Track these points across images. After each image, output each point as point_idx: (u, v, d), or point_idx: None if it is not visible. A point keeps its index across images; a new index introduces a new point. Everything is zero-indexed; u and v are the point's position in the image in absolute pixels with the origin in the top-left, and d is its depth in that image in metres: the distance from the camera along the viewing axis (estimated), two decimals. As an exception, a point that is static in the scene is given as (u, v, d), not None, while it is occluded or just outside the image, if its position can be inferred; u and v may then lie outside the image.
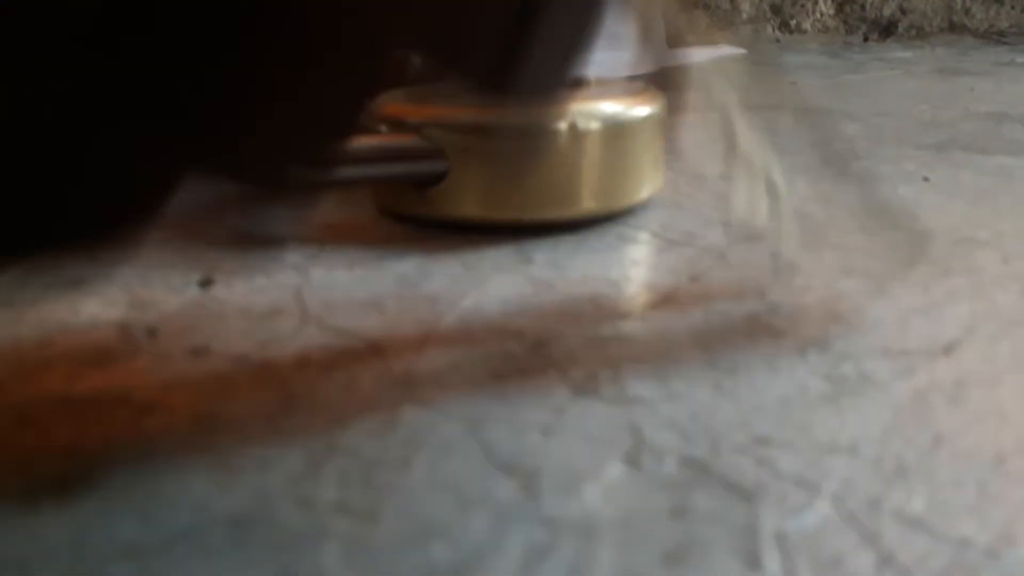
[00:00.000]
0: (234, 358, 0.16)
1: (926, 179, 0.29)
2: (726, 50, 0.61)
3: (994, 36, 0.77)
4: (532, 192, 0.22)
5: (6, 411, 0.14)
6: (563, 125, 0.22)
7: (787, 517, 0.12)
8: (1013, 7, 0.79)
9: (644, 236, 0.23)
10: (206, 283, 0.20)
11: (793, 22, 0.79)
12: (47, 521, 0.11)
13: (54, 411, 0.14)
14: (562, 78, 0.15)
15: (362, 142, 0.22)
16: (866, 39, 0.78)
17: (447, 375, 0.15)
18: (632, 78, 0.26)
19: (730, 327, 0.17)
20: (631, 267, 0.21)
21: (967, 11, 0.80)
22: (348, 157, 0.22)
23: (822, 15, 0.79)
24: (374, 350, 0.16)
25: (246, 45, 0.12)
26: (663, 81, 0.23)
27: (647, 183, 0.24)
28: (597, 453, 0.13)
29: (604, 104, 0.23)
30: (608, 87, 0.24)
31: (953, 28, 0.79)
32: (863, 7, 0.80)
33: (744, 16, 0.80)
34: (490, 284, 0.20)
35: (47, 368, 0.16)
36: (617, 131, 0.23)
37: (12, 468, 0.13)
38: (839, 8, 0.80)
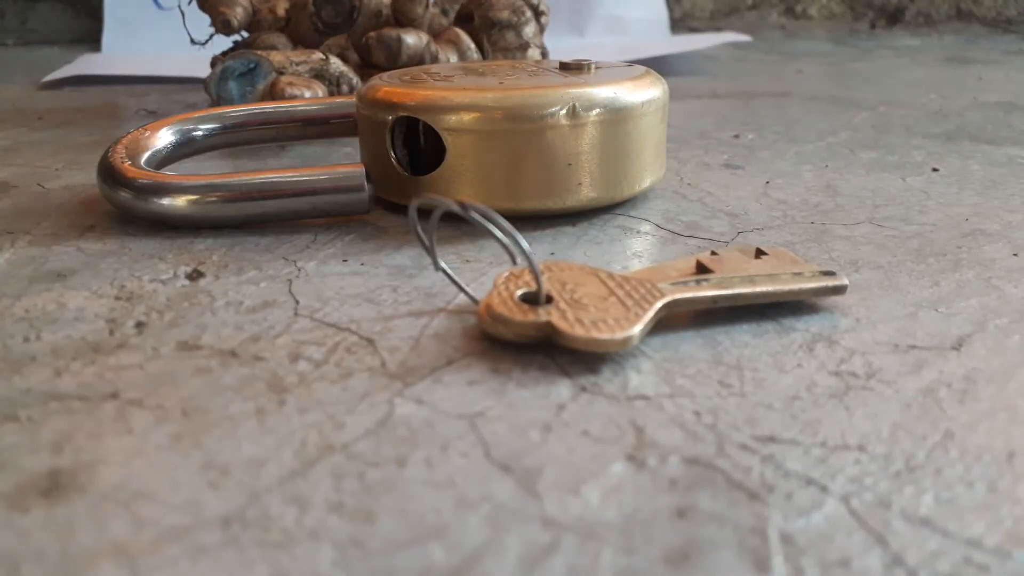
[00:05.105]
0: (224, 352, 0.16)
1: (935, 169, 0.29)
2: (731, 36, 0.61)
3: (1002, 24, 0.76)
4: (530, 181, 0.22)
5: (-7, 406, 0.14)
6: (562, 110, 0.21)
7: (794, 517, 0.11)
8: (1021, -6, 0.79)
9: (646, 227, 0.23)
10: (195, 275, 0.19)
11: (799, 8, 0.78)
12: (35, 520, 0.11)
13: (40, 406, 0.14)
14: None
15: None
16: (873, 26, 0.78)
17: (444, 370, 0.15)
18: (633, 62, 0.26)
19: (735, 321, 0.17)
20: (633, 260, 0.21)
21: (974, -2, 0.79)
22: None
23: (828, 1, 0.79)
24: (368, 344, 0.16)
25: None
26: None
27: (649, 172, 0.24)
28: (599, 451, 0.13)
29: (605, 89, 0.22)
30: (609, 71, 0.24)
31: (961, 15, 0.78)
32: (869, -6, 0.79)
33: (749, 2, 0.79)
34: (488, 277, 0.19)
35: (33, 362, 0.15)
36: (618, 117, 0.22)
37: (-2, 465, 0.12)
38: (845, -5, 0.79)
